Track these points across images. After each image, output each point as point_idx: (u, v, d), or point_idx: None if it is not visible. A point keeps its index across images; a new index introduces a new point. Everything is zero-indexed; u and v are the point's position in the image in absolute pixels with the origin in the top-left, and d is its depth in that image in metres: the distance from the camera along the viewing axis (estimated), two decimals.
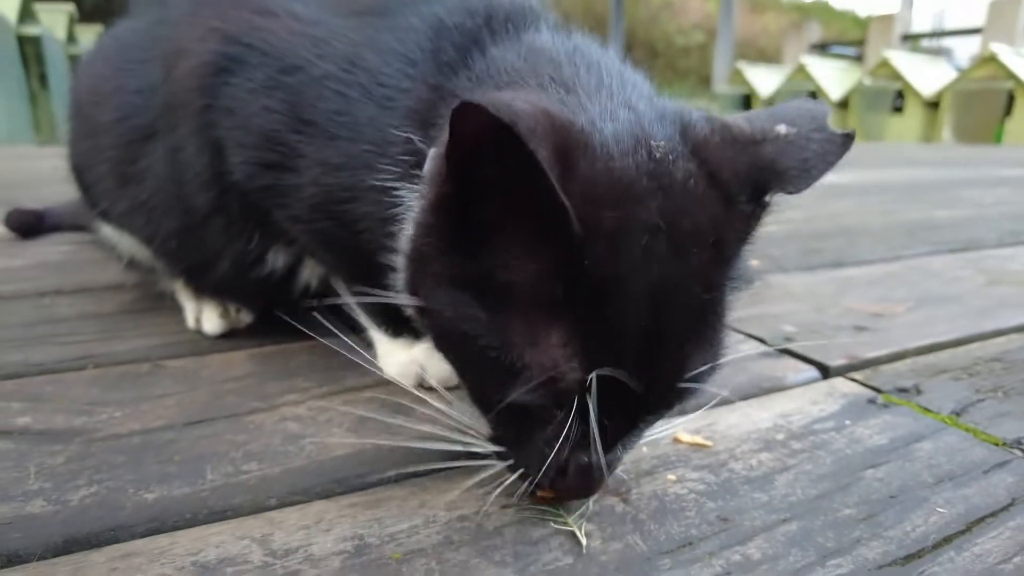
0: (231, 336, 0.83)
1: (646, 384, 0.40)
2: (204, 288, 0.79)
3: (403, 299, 0.46)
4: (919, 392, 0.71)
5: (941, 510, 0.50)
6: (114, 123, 0.74)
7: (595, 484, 0.45)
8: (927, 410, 0.67)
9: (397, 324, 0.70)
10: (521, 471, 0.47)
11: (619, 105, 0.45)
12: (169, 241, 0.75)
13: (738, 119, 0.48)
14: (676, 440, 0.60)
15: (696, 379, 0.42)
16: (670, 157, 0.42)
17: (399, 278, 0.48)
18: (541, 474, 0.44)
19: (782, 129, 0.46)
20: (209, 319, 0.82)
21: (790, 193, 0.44)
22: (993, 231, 1.71)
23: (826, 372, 0.77)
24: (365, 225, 0.58)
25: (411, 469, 0.54)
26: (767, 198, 0.44)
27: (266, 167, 0.62)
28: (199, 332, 0.84)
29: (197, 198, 0.69)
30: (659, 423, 0.49)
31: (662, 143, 0.43)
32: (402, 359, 0.69)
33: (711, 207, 0.42)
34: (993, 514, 0.50)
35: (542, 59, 0.52)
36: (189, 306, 0.85)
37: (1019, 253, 1.46)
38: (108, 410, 0.63)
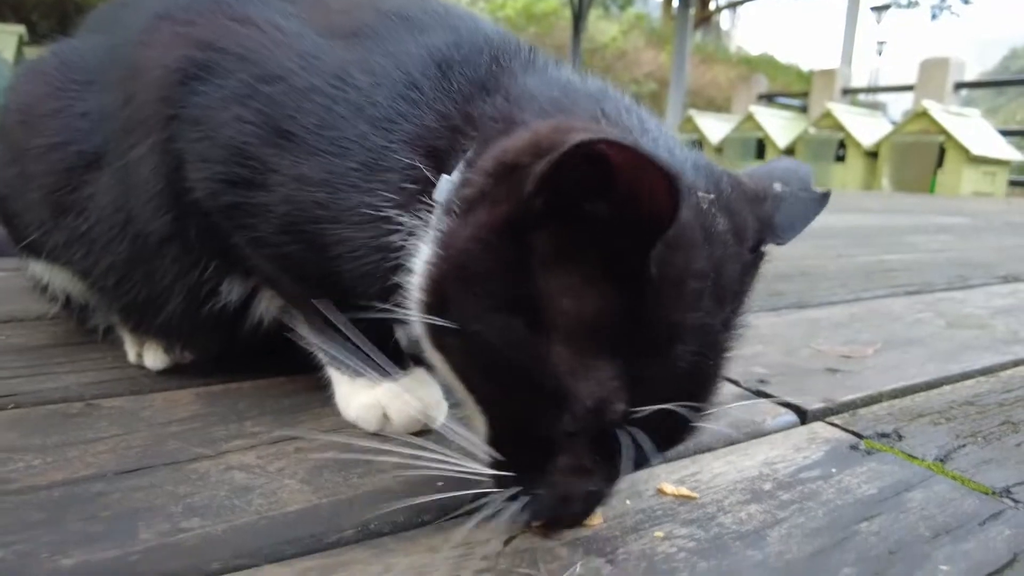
0: (176, 372, 0.75)
1: (673, 421, 0.42)
2: (148, 329, 0.73)
3: (432, 320, 0.45)
4: (900, 437, 0.70)
5: (944, 567, 0.48)
6: (50, 148, 0.68)
7: (591, 513, 0.47)
8: (912, 457, 0.65)
9: (359, 363, 0.64)
10: (524, 499, 0.45)
11: (663, 151, 0.48)
12: (110, 275, 0.69)
13: (742, 175, 0.53)
14: (660, 492, 0.56)
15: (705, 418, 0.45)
16: (712, 210, 0.45)
17: (414, 301, 0.47)
18: (553, 502, 0.45)
19: (778, 187, 0.52)
20: (152, 353, 0.75)
21: (778, 244, 0.51)
22: (942, 275, 1.76)
23: (804, 416, 0.75)
24: (343, 250, 0.54)
25: (373, 527, 0.49)
26: (763, 249, 0.49)
27: (232, 183, 0.57)
28: (141, 367, 0.76)
29: (151, 223, 0.64)
30: None
31: (704, 195, 0.45)
32: (364, 401, 0.64)
33: (738, 260, 0.46)
34: (998, 571, 0.47)
35: (579, 94, 0.53)
36: (130, 339, 0.78)
37: (970, 296, 1.50)
38: (27, 458, 0.56)
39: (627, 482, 0.57)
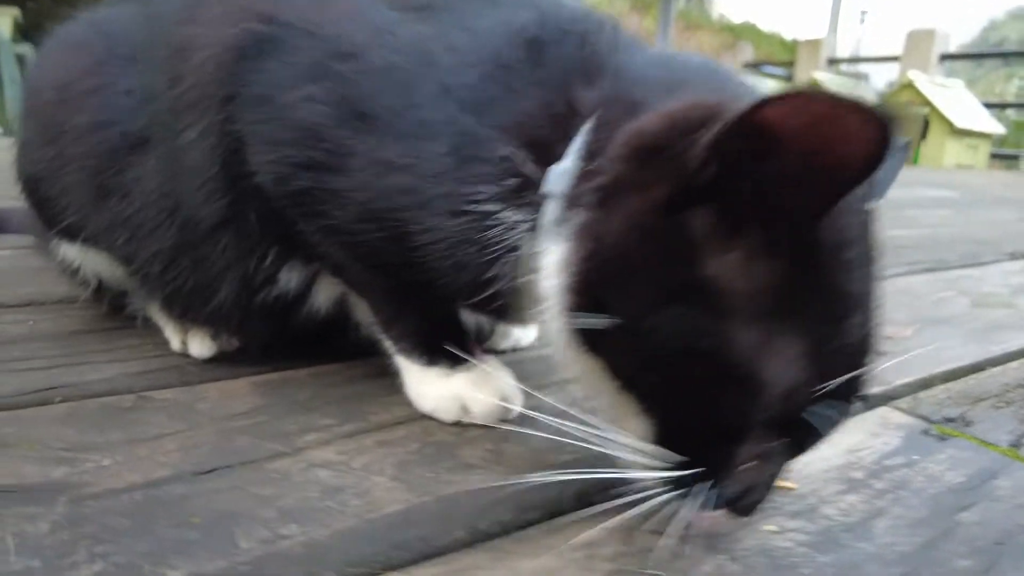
0: (223, 361, 0.72)
1: (848, 392, 0.42)
2: (196, 318, 0.69)
3: (582, 322, 0.42)
4: (967, 423, 0.70)
5: None
6: (92, 128, 0.63)
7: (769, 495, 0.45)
8: (985, 442, 0.65)
9: (432, 350, 0.62)
10: (699, 493, 0.42)
11: None
12: (155, 262, 0.65)
13: None
14: None
15: None
16: None
17: (553, 303, 0.45)
18: (738, 493, 0.42)
19: None
20: (199, 342, 0.72)
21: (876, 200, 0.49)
22: (952, 252, 1.77)
23: (866, 401, 0.74)
24: (429, 239, 0.51)
25: (482, 527, 0.47)
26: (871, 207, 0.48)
27: (305, 168, 0.54)
28: (185, 355, 0.73)
29: (203, 209, 0.60)
30: None
31: None
32: (440, 391, 0.61)
33: (869, 220, 0.44)
34: None
35: (686, 70, 0.50)
36: (173, 327, 0.74)
37: (986, 274, 1.51)
38: (94, 457, 0.52)
39: None
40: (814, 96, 0.34)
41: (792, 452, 0.44)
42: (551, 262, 0.45)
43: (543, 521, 0.48)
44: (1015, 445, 0.65)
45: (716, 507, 0.42)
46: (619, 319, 0.40)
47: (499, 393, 0.62)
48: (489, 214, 0.49)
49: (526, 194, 0.48)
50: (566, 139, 0.48)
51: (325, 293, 0.68)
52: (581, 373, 0.46)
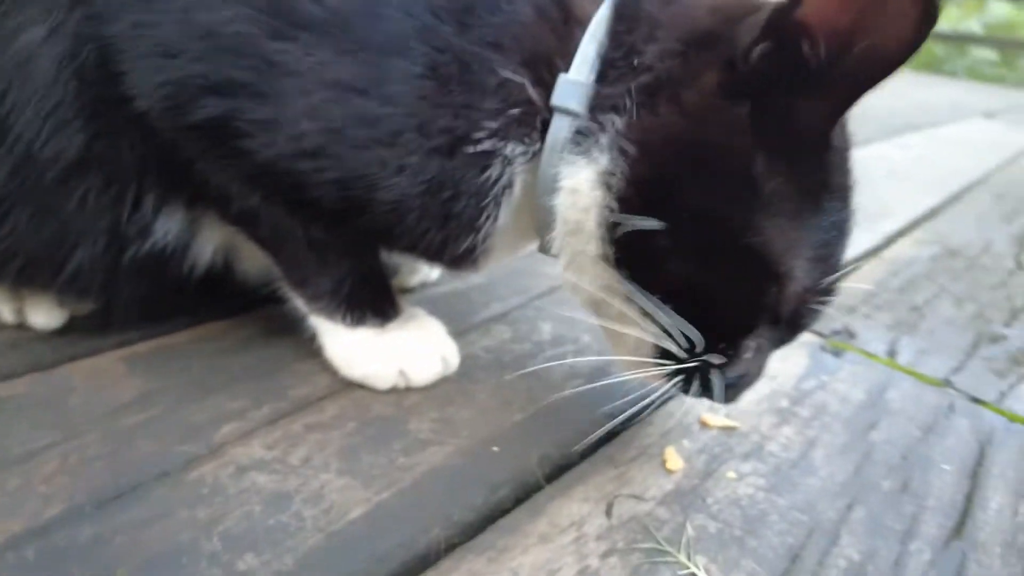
0: (74, 331, 0.58)
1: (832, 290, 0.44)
2: (43, 286, 0.53)
3: (641, 224, 0.41)
4: (851, 335, 0.77)
5: (946, 467, 0.55)
6: None
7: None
8: (870, 354, 0.73)
9: (357, 306, 0.54)
10: (699, 380, 0.45)
11: None
12: None
13: None
14: (704, 424, 0.57)
15: None
16: None
17: (585, 221, 0.44)
18: (737, 379, 0.45)
19: None
20: (44, 310, 0.57)
21: None
22: None
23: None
24: (394, 185, 0.43)
25: (456, 518, 0.43)
26: None
27: (215, 91, 0.41)
28: (21, 328, 0.57)
29: (51, 144, 0.45)
30: None
31: None
32: (373, 356, 0.54)
33: None
34: (979, 464, 0.56)
35: None
36: (2, 295, 0.57)
37: None
38: None
39: (673, 420, 0.57)
40: None
41: (779, 344, 0.47)
42: (581, 180, 0.43)
43: (518, 500, 0.46)
44: (891, 354, 0.74)
45: (716, 395, 0.45)
46: (669, 220, 0.40)
47: (438, 352, 0.56)
48: (487, 154, 0.43)
49: (531, 121, 0.43)
50: (567, 51, 0.43)
51: (211, 242, 0.56)
52: (595, 290, 0.46)
